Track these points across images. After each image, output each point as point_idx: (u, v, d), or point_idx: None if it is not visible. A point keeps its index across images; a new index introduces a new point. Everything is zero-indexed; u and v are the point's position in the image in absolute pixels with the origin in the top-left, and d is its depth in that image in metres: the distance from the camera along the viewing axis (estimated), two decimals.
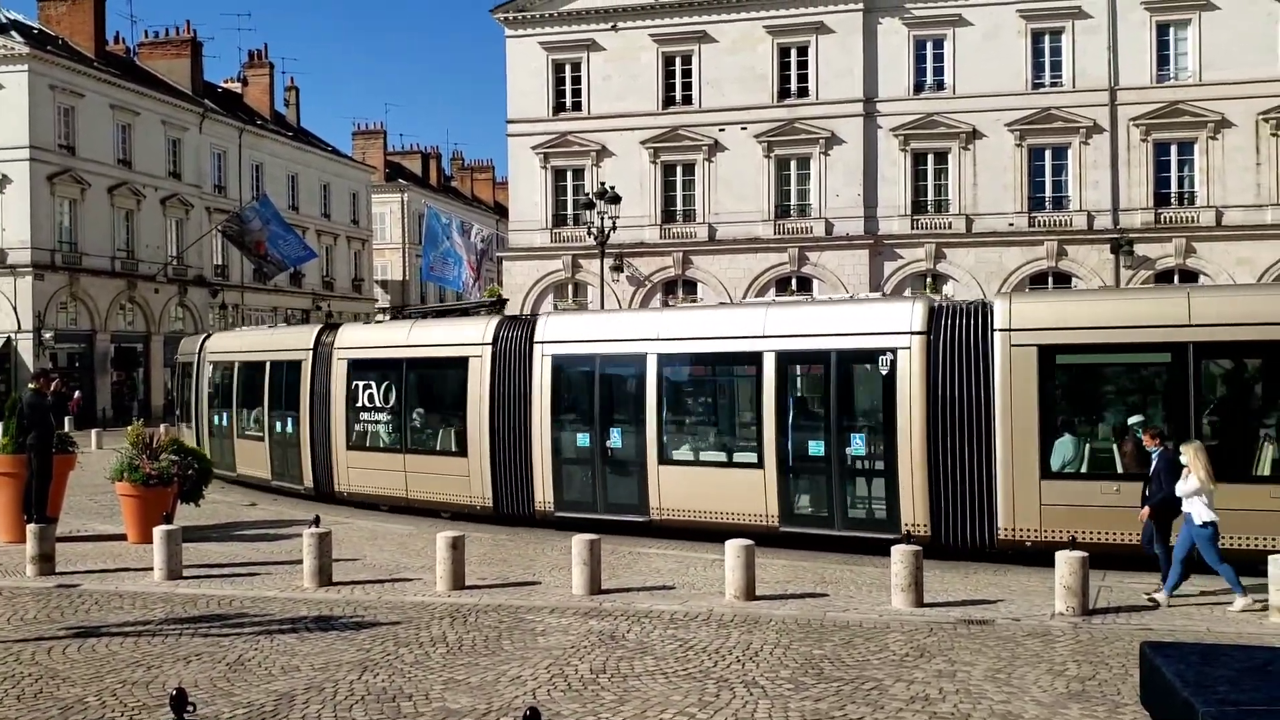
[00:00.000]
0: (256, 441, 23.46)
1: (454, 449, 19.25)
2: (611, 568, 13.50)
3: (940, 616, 11.03)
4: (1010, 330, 14.59)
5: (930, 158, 40.24)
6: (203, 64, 56.29)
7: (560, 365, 18.12)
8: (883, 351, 15.27)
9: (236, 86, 62.77)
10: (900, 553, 11.66)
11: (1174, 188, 38.63)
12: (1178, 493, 11.73)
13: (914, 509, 14.94)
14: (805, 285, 40.32)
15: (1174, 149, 38.44)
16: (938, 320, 15.17)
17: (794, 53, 41.03)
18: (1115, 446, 14.67)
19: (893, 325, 15.35)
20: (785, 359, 16.20)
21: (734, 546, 12.00)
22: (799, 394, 16.91)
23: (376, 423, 20.38)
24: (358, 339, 21.61)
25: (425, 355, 20.00)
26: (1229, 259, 37.04)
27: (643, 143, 41.90)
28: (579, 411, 18.16)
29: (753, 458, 16.31)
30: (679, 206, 42.26)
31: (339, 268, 66.51)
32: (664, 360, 17.11)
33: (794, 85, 41.08)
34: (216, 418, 25.46)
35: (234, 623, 10.80)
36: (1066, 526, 13.48)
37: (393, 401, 20.07)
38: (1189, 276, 37.70)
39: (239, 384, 24.51)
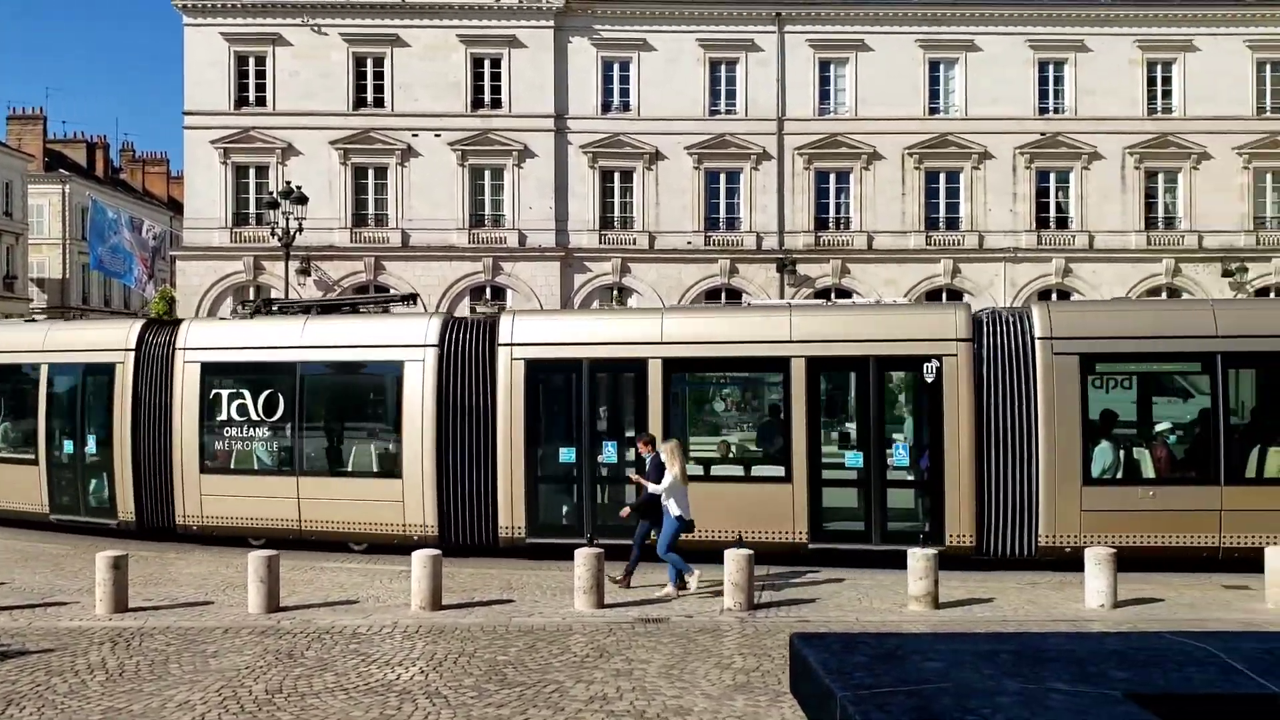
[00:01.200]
0: (20, 466, 18.87)
1: (379, 469, 16.64)
2: (291, 584, 13.10)
3: (620, 617, 11.51)
4: (1052, 339, 14.77)
5: (617, 176, 41.61)
6: None
7: (536, 371, 15.88)
8: (928, 359, 14.82)
9: None
10: (584, 554, 12.05)
11: (832, 213, 41.79)
12: (655, 490, 12.80)
13: (960, 520, 14.72)
14: (499, 294, 40.58)
15: (833, 177, 41.62)
16: (979, 329, 15.10)
17: (488, 63, 41.26)
18: (1149, 453, 15.17)
19: (940, 333, 15.08)
20: (817, 366, 15.24)
21: (420, 557, 11.97)
22: (833, 402, 16.15)
23: (252, 440, 16.90)
24: (217, 338, 17.58)
25: (335, 359, 16.95)
26: (878, 279, 40.69)
27: (332, 143, 40.73)
28: (558, 424, 16.23)
29: (779, 471, 15.27)
30: (370, 210, 41.39)
31: None
32: (670, 366, 15.43)
33: (488, 96, 41.30)
34: None
35: None
36: (1105, 532, 14.01)
37: (279, 414, 16.67)
38: (844, 294, 40.96)
39: None
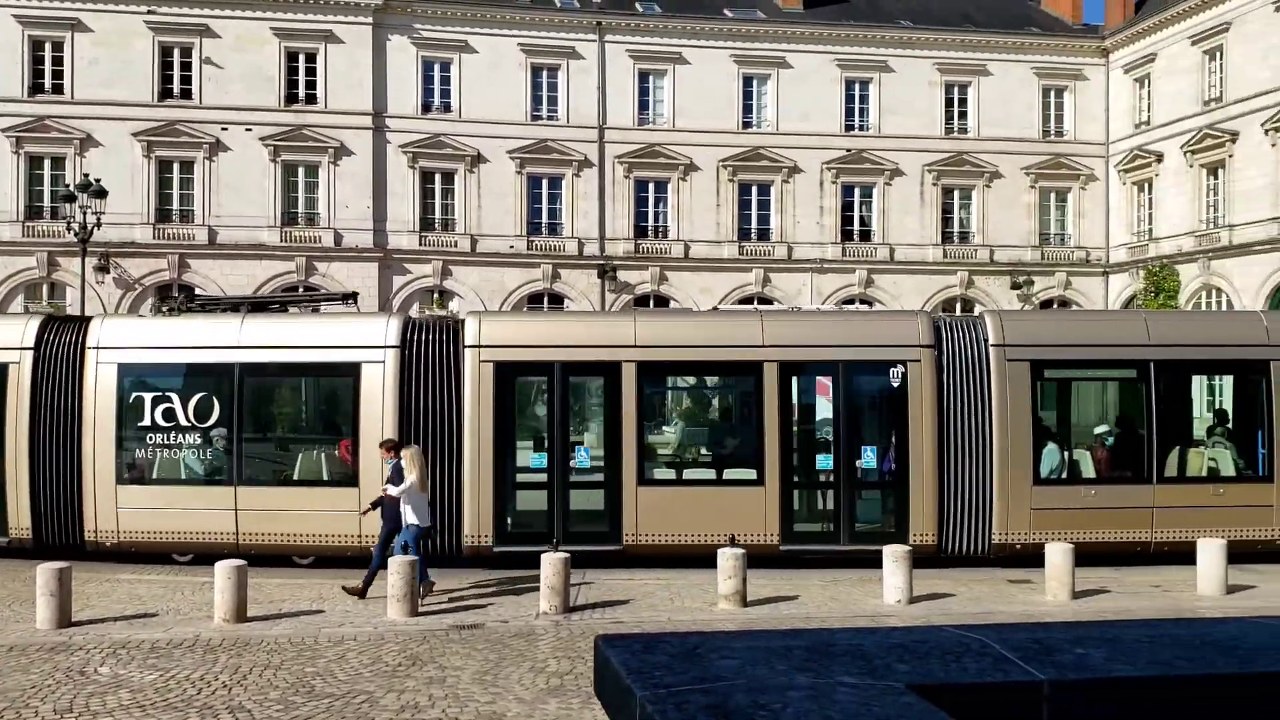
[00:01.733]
0: None
1: (331, 478, 15.72)
2: (85, 597, 12.46)
3: (434, 625, 11.43)
4: (1005, 345, 15.32)
5: (438, 177, 41.13)
6: None
7: (505, 373, 15.31)
8: (894, 364, 15.20)
9: None
10: (397, 562, 11.91)
11: (651, 221, 42.45)
12: (394, 493, 12.95)
13: (923, 520, 15.10)
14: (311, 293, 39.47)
15: (652, 186, 42.38)
16: (938, 336, 15.51)
17: (302, 58, 40.09)
18: (1090, 454, 15.96)
19: (905, 339, 15.42)
20: (789, 370, 15.43)
21: (224, 567, 11.58)
22: (803, 406, 16.14)
23: (180, 448, 15.56)
24: (139, 337, 16.15)
25: (279, 360, 15.84)
26: (694, 287, 41.58)
27: (135, 135, 38.74)
28: (529, 428, 16.02)
29: (752, 474, 15.34)
30: (176, 206, 39.55)
31: None
32: (644, 370, 15.27)
33: (302, 91, 40.12)
34: None
35: None
36: (1053, 529, 14.73)
37: (214, 419, 15.45)
38: (662, 301, 41.84)
39: None
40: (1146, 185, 42.64)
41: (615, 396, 15.30)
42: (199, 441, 15.53)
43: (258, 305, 18.81)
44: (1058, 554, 13.14)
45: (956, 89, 43.70)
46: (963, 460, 15.26)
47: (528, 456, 15.61)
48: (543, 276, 41.11)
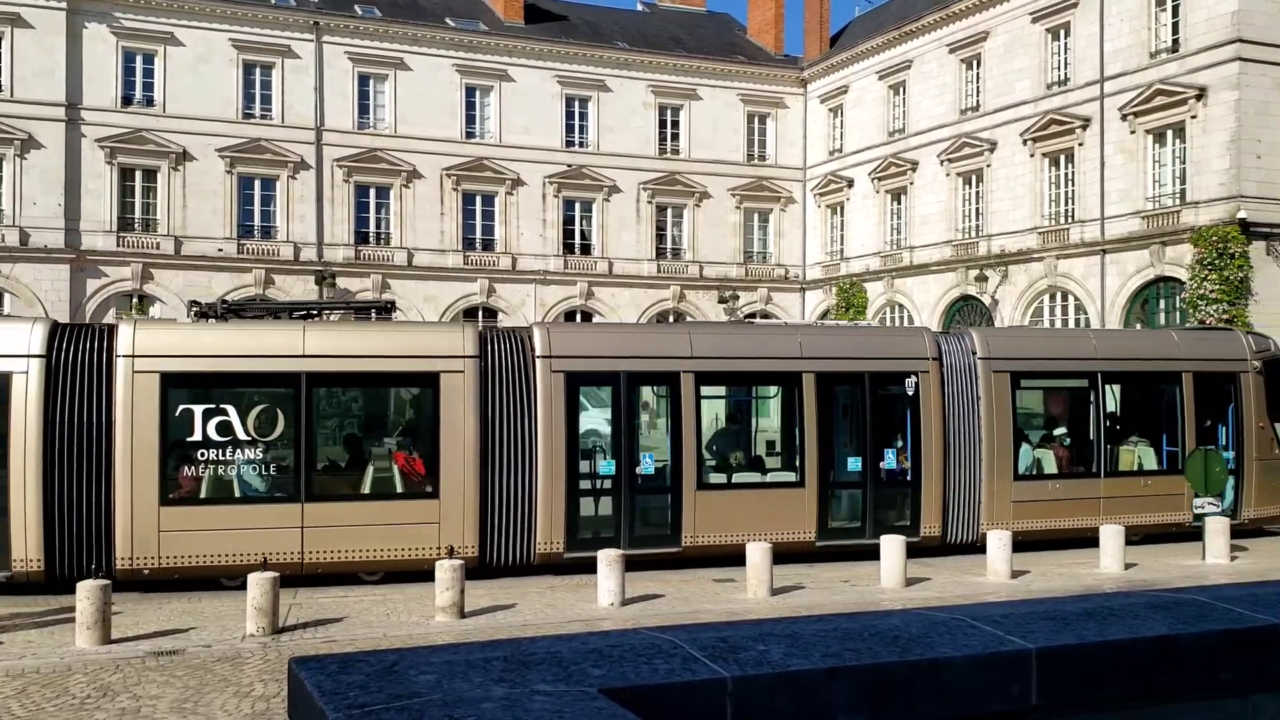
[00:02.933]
0: None
1: (408, 490, 15.27)
2: None
3: (129, 652, 10.80)
4: (991, 358, 17.46)
5: (139, 174, 38.57)
6: None
7: (574, 383, 15.81)
8: (909, 374, 17.23)
9: None
10: (86, 587, 11.17)
11: (373, 228, 41.56)
12: None
13: (931, 514, 17.17)
14: None
15: (373, 192, 41.44)
16: (940, 350, 17.53)
17: None
18: (1051, 452, 18.27)
19: (917, 352, 17.50)
20: (825, 380, 16.93)
21: None
22: (838, 413, 17.55)
23: (237, 464, 14.44)
24: (183, 345, 14.86)
25: (349, 370, 15.35)
26: (419, 296, 41.12)
27: None
28: (597, 436, 16.79)
29: (794, 477, 16.93)
30: None
31: None
32: (701, 379, 16.53)
33: None
34: None
35: None
36: (1028, 519, 17.36)
37: (276, 433, 14.61)
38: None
39: None
40: (839, 208, 45.93)
41: (676, 405, 16.21)
42: (260, 456, 14.62)
43: (280, 311, 18.73)
44: (756, 553, 13.99)
45: (670, 111, 45.47)
46: (960, 461, 17.23)
47: (597, 464, 16.18)
48: (255, 281, 39.34)
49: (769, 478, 17.34)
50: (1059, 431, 18.93)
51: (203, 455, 14.34)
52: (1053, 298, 35.56)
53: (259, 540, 14.05)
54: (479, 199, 42.77)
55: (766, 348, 17.31)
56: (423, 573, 13.85)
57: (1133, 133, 32.44)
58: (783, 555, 15.10)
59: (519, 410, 15.45)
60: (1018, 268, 36.42)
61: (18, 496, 13.64)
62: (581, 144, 44.08)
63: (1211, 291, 28.99)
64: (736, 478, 17.15)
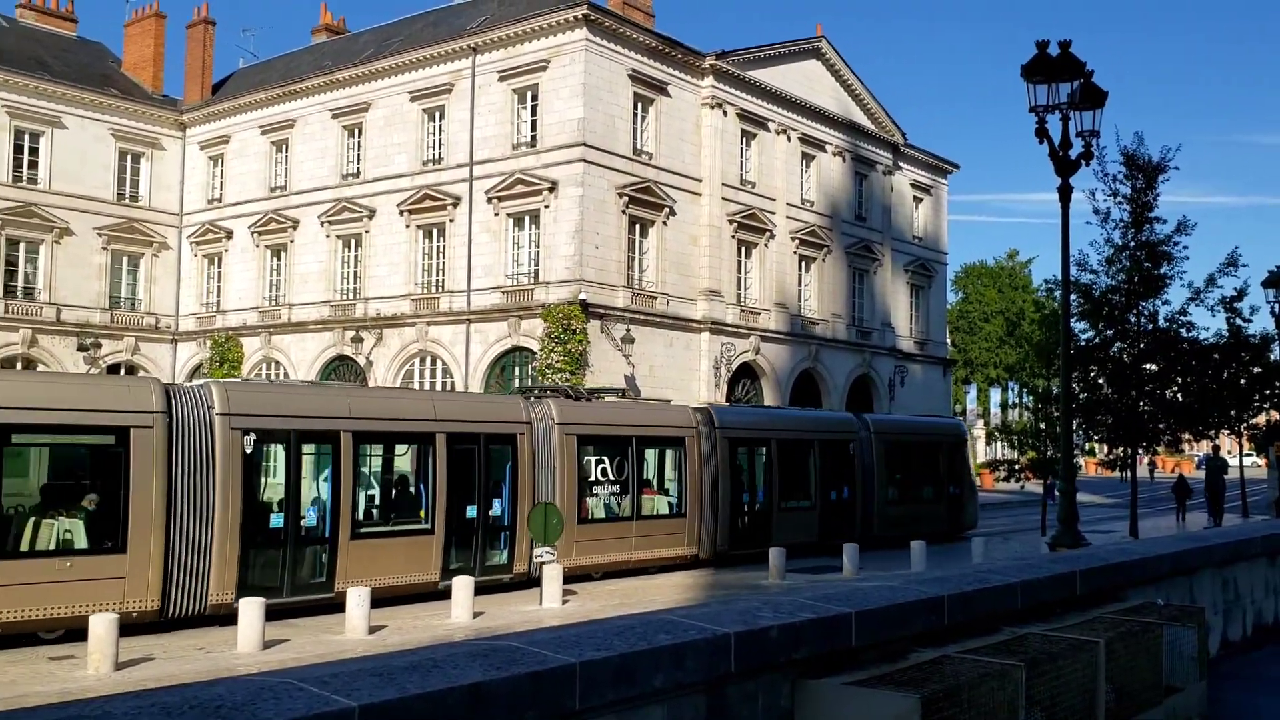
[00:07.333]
0: None
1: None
2: None
3: None
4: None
5: None
6: None
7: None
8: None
9: None
10: None
11: (21, 281, 40.03)
12: None
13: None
14: None
15: (23, 245, 40.46)
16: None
17: None
18: None
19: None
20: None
21: None
22: None
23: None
24: (583, 415, 21.70)
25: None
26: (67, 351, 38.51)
27: None
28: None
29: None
30: None
31: None
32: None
33: None
34: None
35: None
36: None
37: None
38: (31, 364, 38.93)
39: None
40: (218, 259, 44.52)
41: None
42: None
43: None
44: (100, 625, 13.07)
45: (28, 136, 41.09)
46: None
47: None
48: None
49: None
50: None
51: None
52: (423, 361, 37.52)
53: None
54: None
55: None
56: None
57: (496, 215, 35.62)
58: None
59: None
60: (392, 331, 37.95)
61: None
62: None
63: (557, 361, 32.59)
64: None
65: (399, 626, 16.33)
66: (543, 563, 18.30)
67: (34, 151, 41.26)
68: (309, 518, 17.35)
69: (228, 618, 15.46)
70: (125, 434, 15.24)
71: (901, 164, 48.25)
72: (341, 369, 39.36)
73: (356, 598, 15.57)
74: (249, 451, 16.32)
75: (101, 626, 13.03)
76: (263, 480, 17.61)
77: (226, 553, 15.94)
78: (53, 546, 14.84)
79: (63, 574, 14.59)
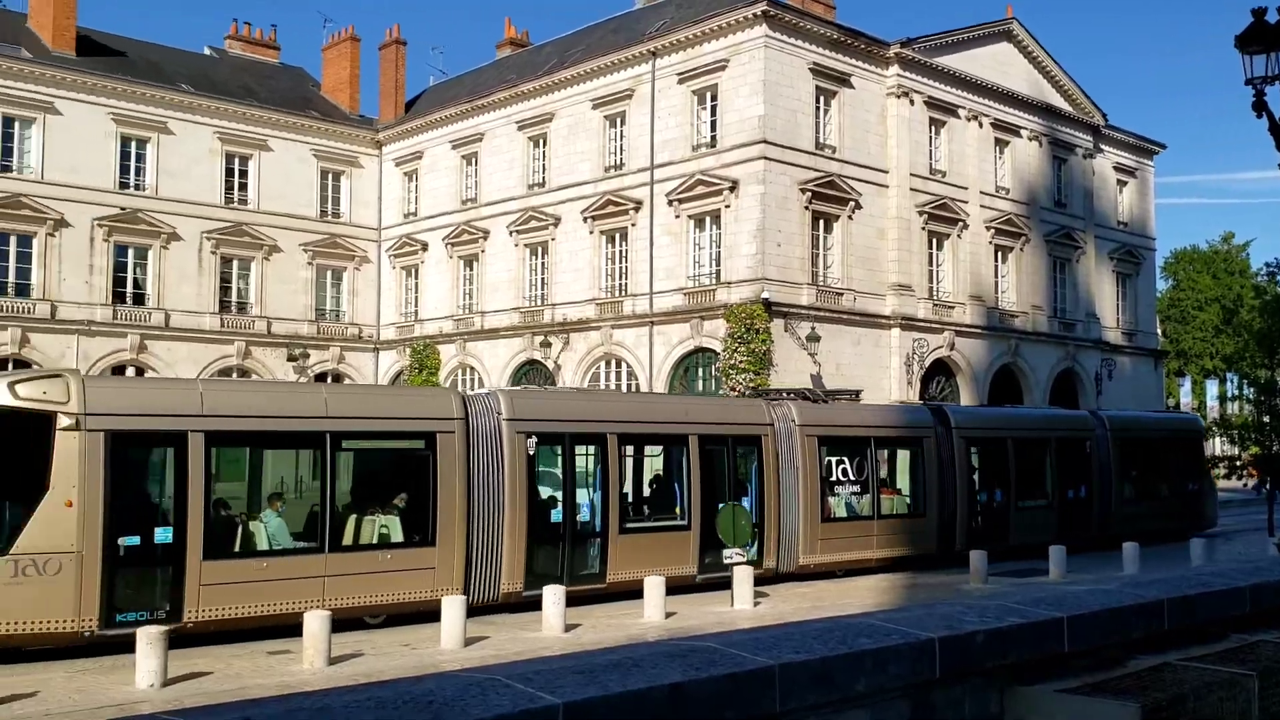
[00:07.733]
0: None
1: None
2: None
3: None
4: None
5: None
6: None
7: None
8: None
9: None
10: None
11: (235, 296, 42.53)
12: None
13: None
14: None
15: (235, 263, 42.30)
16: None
17: None
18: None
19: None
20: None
21: None
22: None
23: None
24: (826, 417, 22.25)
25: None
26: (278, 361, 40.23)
27: None
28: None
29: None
30: None
31: None
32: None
33: None
34: None
35: None
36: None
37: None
38: (245, 374, 40.89)
39: None
40: (414, 270, 46.37)
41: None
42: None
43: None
44: (314, 621, 13.72)
45: (239, 159, 43.81)
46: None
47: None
48: None
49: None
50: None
51: None
52: (608, 364, 38.06)
53: None
54: (13, 239, 38.71)
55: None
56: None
57: (677, 217, 35.77)
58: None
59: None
60: (578, 335, 38.64)
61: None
62: (138, 186, 41.28)
63: (741, 361, 32.46)
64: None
65: (593, 625, 16.50)
66: (732, 564, 18.17)
67: (244, 174, 43.92)
68: (583, 513, 18.34)
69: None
70: (433, 439, 16.50)
71: (1103, 146, 45.93)
72: (532, 373, 40.32)
73: (552, 596, 15.87)
74: (531, 453, 17.46)
75: (315, 623, 13.69)
76: (542, 479, 18.71)
77: (516, 545, 17.04)
78: (374, 541, 16.24)
79: (384, 565, 15.96)
